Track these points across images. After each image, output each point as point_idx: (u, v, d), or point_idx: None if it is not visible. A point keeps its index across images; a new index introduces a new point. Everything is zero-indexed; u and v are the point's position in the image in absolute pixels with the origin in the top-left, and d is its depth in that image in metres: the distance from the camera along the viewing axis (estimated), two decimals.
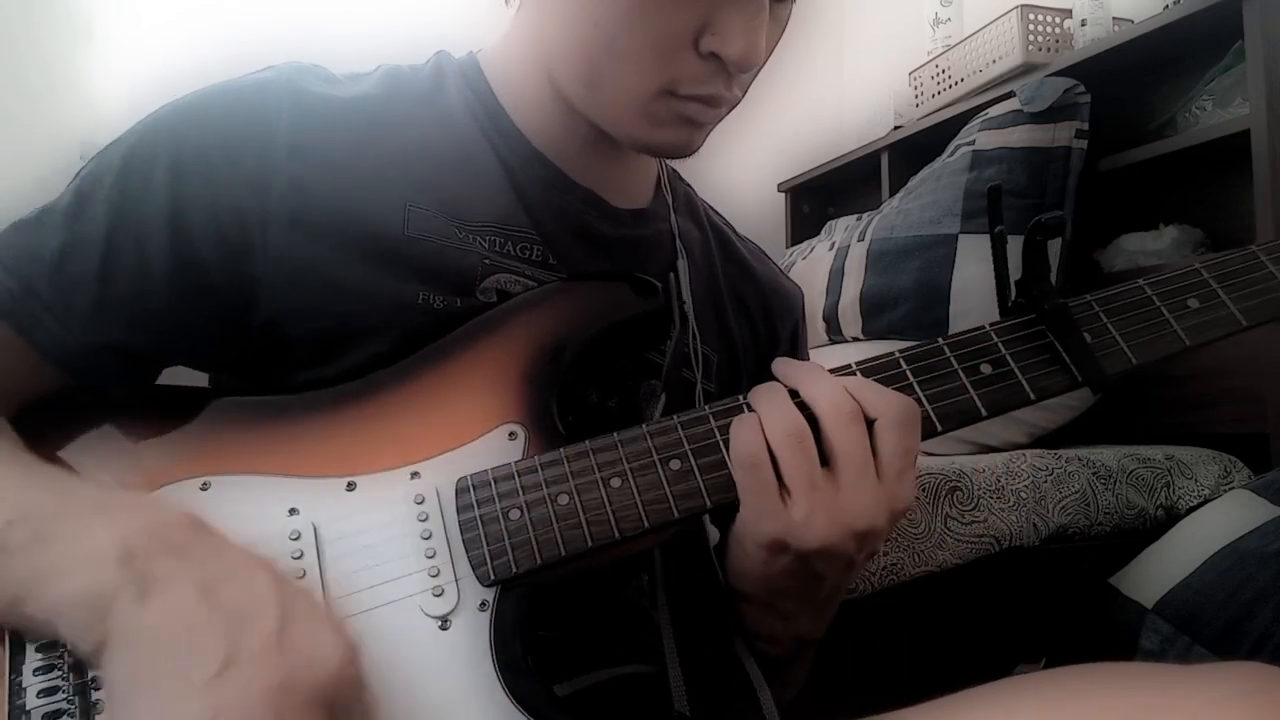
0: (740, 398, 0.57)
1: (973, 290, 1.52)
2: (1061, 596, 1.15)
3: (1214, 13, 1.44)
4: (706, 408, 0.57)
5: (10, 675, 0.48)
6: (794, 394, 0.56)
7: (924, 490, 1.12)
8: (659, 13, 0.58)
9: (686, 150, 0.65)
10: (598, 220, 0.69)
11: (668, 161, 0.77)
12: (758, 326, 0.78)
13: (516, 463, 0.55)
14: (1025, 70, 1.79)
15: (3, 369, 0.58)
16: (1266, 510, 1.01)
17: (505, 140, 0.68)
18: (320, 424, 0.58)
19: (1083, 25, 1.75)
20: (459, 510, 0.54)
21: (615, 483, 0.54)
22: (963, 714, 0.49)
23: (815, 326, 1.81)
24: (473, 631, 0.51)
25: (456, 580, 0.52)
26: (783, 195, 2.69)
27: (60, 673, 0.48)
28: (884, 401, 0.55)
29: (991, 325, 0.60)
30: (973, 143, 1.61)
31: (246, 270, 0.59)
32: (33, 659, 0.49)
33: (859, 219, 1.91)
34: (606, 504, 0.54)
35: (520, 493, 0.54)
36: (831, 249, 1.87)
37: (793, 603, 0.60)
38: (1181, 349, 0.59)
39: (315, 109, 0.63)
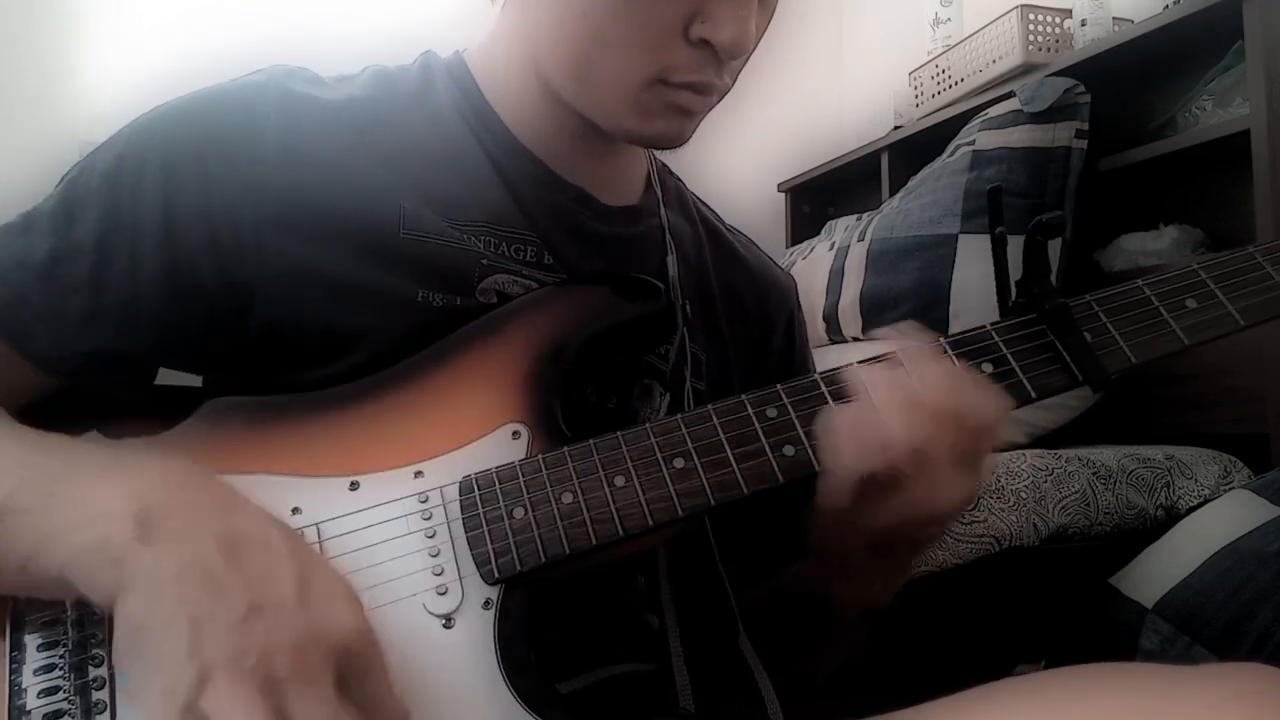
0: (742, 396, 0.57)
1: (973, 290, 1.52)
2: (1061, 596, 1.15)
3: (1214, 13, 1.44)
4: (710, 406, 0.57)
5: (10, 676, 0.48)
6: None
7: None
8: (648, 1, 0.58)
9: (678, 140, 0.65)
10: (590, 219, 0.69)
11: (661, 155, 0.77)
12: (751, 317, 0.78)
13: (520, 462, 0.55)
14: (1025, 70, 1.79)
15: None
16: (1266, 510, 1.01)
17: (494, 138, 0.68)
18: (322, 423, 0.57)
19: (1083, 25, 1.75)
20: (463, 509, 0.54)
21: (619, 481, 0.54)
22: (963, 714, 0.49)
23: (815, 326, 1.81)
24: (477, 630, 0.52)
25: (460, 579, 0.53)
26: (783, 195, 2.69)
27: (61, 672, 0.48)
28: (981, 397, 0.55)
29: (992, 325, 0.60)
30: (973, 143, 1.61)
31: (240, 273, 0.59)
32: (33, 659, 0.49)
33: (859, 219, 1.91)
34: (610, 502, 0.54)
35: (524, 491, 0.54)
36: (831, 249, 1.87)
37: (863, 571, 0.61)
38: (1180, 348, 0.59)
39: (305, 111, 0.63)
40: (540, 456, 0.55)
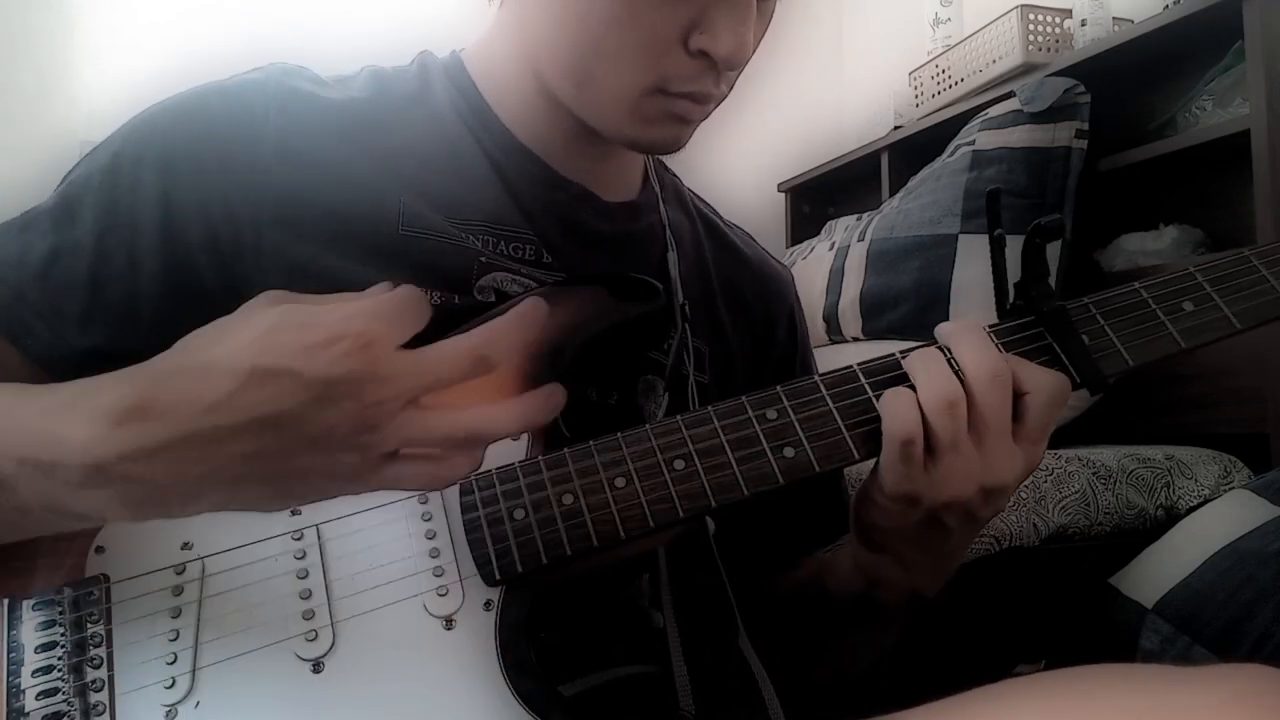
0: (742, 398, 0.57)
1: (973, 290, 1.52)
2: (1061, 596, 1.15)
3: (1214, 13, 1.44)
4: (710, 408, 0.57)
5: (9, 677, 0.48)
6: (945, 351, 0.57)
7: None
8: (648, 11, 0.58)
9: (675, 146, 0.65)
10: (590, 216, 0.69)
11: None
12: (753, 311, 0.78)
13: (520, 463, 0.55)
14: (1025, 70, 1.79)
15: None
16: (1266, 510, 1.01)
17: (492, 137, 0.68)
18: None
19: (1083, 25, 1.75)
20: (463, 510, 0.54)
21: (620, 482, 0.54)
22: (963, 714, 0.49)
23: (815, 326, 1.81)
24: (477, 631, 0.52)
25: (461, 580, 0.53)
26: (783, 195, 2.69)
27: (60, 673, 0.48)
28: (1037, 377, 0.56)
29: (990, 327, 0.60)
30: (973, 143, 1.61)
31: (239, 272, 0.59)
32: (31, 660, 0.49)
33: (859, 219, 1.91)
34: (611, 504, 0.54)
35: (524, 492, 0.54)
36: (831, 249, 1.87)
37: (916, 553, 0.61)
38: (1177, 351, 0.59)
39: (304, 109, 0.63)
40: (540, 458, 0.55)
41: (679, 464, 0.55)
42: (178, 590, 0.51)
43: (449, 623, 0.52)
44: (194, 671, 0.49)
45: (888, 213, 1.76)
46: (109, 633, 0.50)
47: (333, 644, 0.51)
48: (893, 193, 1.92)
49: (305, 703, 0.49)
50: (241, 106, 0.62)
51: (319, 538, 0.53)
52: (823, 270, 1.85)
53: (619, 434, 0.56)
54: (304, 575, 0.52)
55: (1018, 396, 0.56)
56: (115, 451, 0.41)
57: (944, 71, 2.04)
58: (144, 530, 0.52)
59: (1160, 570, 1.02)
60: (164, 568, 0.52)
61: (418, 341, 0.59)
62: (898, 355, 0.59)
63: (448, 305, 0.61)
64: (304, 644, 0.50)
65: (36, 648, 0.49)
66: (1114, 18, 1.74)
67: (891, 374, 0.58)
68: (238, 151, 0.60)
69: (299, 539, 0.53)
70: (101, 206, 0.59)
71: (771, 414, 0.56)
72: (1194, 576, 0.98)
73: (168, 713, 0.49)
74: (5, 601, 0.50)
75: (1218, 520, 1.04)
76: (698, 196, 0.82)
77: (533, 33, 0.64)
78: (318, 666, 0.50)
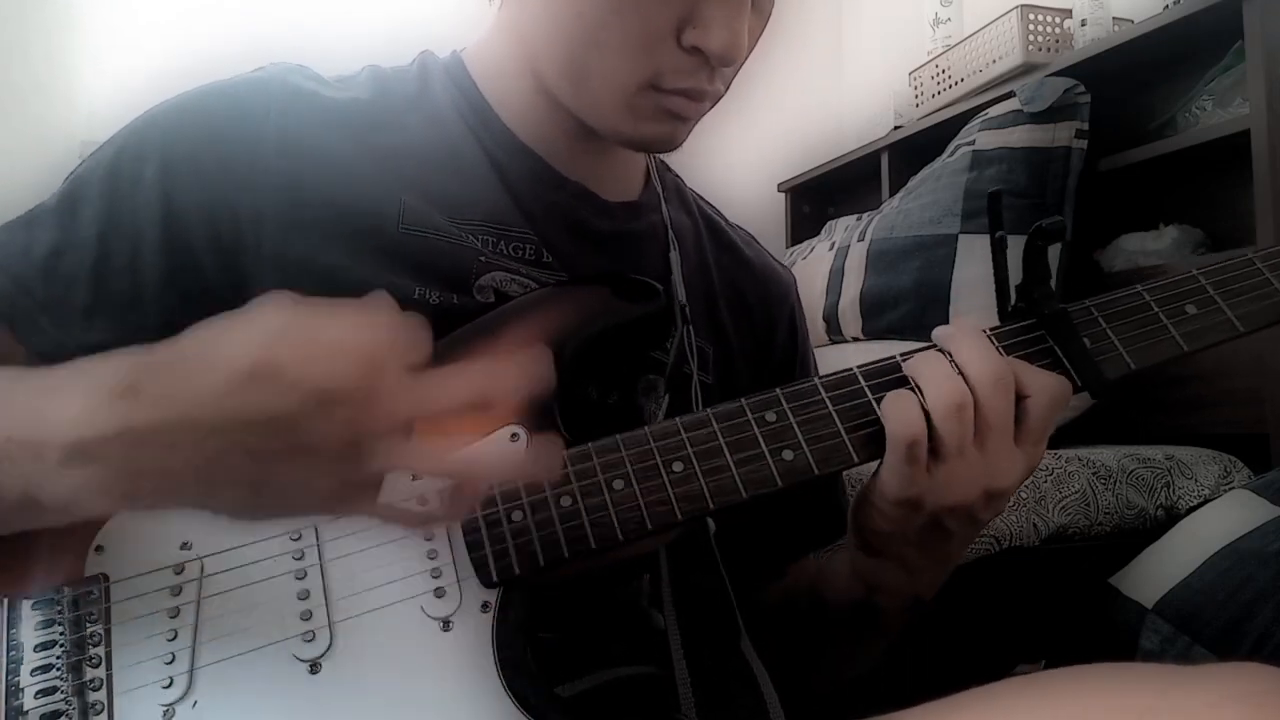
0: (741, 400, 0.57)
1: (973, 290, 1.52)
2: (1061, 596, 1.15)
3: (1214, 13, 1.44)
4: (709, 410, 0.57)
5: (8, 675, 0.48)
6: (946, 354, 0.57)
7: None
8: (641, 6, 0.58)
9: (670, 144, 0.65)
10: (591, 215, 0.69)
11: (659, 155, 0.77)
12: (754, 311, 0.78)
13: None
14: (1025, 70, 1.79)
15: None
16: (1266, 510, 1.01)
17: (493, 137, 0.68)
18: None
19: (1083, 25, 1.75)
20: None
21: (618, 485, 0.54)
22: (963, 714, 0.49)
23: (815, 326, 1.81)
24: (475, 633, 0.52)
25: (459, 581, 0.53)
26: (783, 195, 2.69)
27: (59, 672, 0.48)
28: (1039, 380, 0.57)
29: (991, 330, 0.60)
30: (973, 143, 1.61)
31: (241, 269, 0.59)
32: (30, 659, 0.49)
33: (859, 219, 1.90)
34: (609, 506, 0.54)
35: (522, 494, 0.54)
36: (831, 249, 1.87)
37: (917, 555, 0.61)
38: (1179, 354, 0.59)
39: (304, 109, 0.63)
40: None
41: (677, 466, 0.55)
42: (176, 590, 0.51)
43: (447, 624, 0.52)
44: (192, 671, 0.49)
45: (888, 213, 1.76)
46: (108, 632, 0.50)
47: (330, 645, 0.51)
48: (893, 193, 1.92)
49: (302, 703, 0.49)
50: (243, 105, 0.62)
51: (318, 539, 0.53)
52: (823, 270, 1.85)
53: (617, 436, 0.56)
54: (302, 576, 0.52)
55: (1019, 400, 0.56)
56: (103, 428, 0.41)
57: (944, 71, 2.04)
58: (143, 530, 0.52)
59: (1160, 570, 1.02)
60: (163, 567, 0.52)
61: None
62: (898, 358, 0.59)
63: (446, 306, 0.61)
64: (302, 644, 0.50)
65: (35, 646, 0.49)
66: (1114, 18, 1.74)
67: (892, 376, 0.58)
68: (239, 150, 0.60)
69: (297, 539, 0.53)
70: (104, 204, 0.59)
71: (770, 416, 0.56)
72: (1194, 576, 0.98)
73: (165, 712, 0.49)
74: (4, 601, 0.51)
75: (1218, 520, 1.04)
76: (701, 197, 0.82)
77: (531, 31, 0.64)
78: (315, 667, 0.50)
